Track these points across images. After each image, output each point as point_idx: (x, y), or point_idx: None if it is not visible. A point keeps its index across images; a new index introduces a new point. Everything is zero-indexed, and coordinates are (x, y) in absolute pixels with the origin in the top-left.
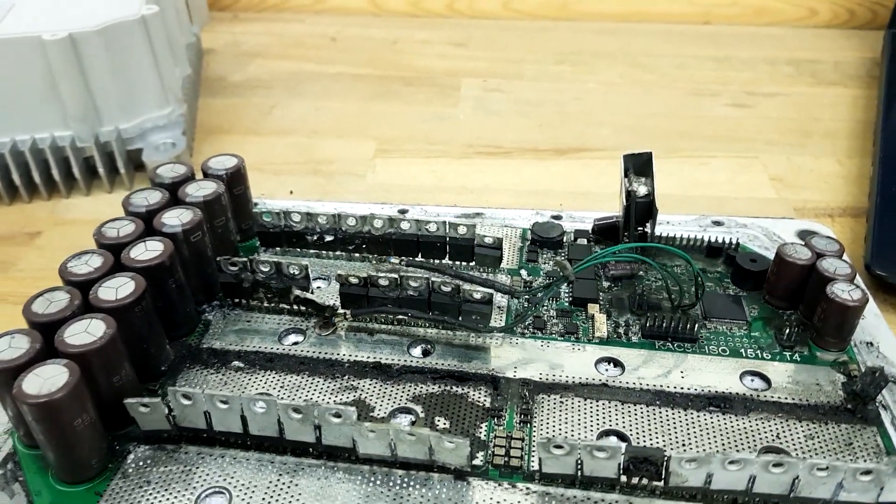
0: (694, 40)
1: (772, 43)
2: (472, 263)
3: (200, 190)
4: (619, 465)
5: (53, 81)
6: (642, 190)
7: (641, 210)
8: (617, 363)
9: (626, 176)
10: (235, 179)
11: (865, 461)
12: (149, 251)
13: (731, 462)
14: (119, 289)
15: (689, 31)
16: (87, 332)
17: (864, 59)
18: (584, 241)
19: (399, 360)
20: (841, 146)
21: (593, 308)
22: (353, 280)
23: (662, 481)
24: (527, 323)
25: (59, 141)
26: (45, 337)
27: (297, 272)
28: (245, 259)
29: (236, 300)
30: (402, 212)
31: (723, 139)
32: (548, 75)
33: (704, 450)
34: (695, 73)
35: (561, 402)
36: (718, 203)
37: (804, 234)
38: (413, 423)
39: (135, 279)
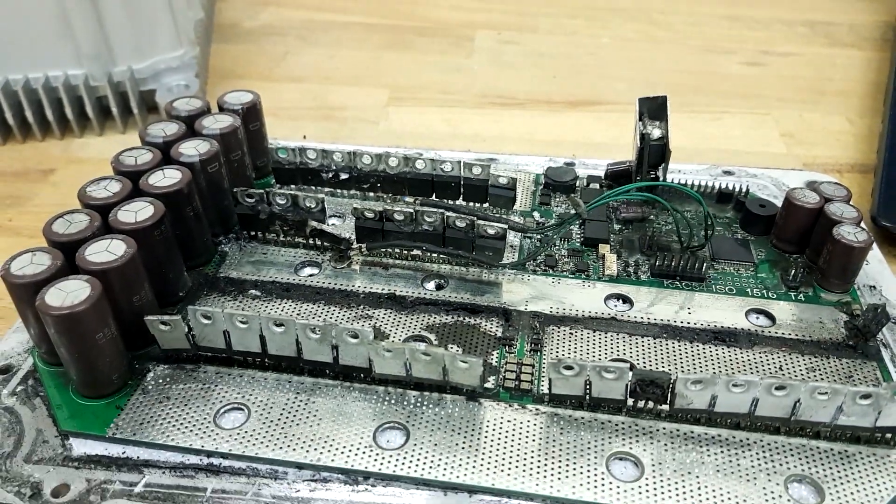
0: None
1: (788, 3)
2: (486, 204)
3: (217, 123)
4: (627, 386)
5: (67, 18)
6: (656, 133)
7: (655, 153)
8: (626, 299)
9: (640, 119)
10: (251, 115)
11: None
12: (167, 178)
13: (735, 385)
14: (139, 213)
15: None
16: (107, 251)
17: (879, 22)
18: (597, 186)
19: (413, 292)
20: (852, 105)
21: (604, 248)
22: (369, 214)
23: (668, 404)
24: (538, 261)
25: (72, 80)
26: (66, 256)
27: (313, 205)
28: (262, 191)
29: (252, 232)
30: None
31: (736, 96)
32: (562, 29)
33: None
34: (709, 30)
35: (571, 333)
36: (730, 156)
37: (812, 184)
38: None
39: (154, 204)
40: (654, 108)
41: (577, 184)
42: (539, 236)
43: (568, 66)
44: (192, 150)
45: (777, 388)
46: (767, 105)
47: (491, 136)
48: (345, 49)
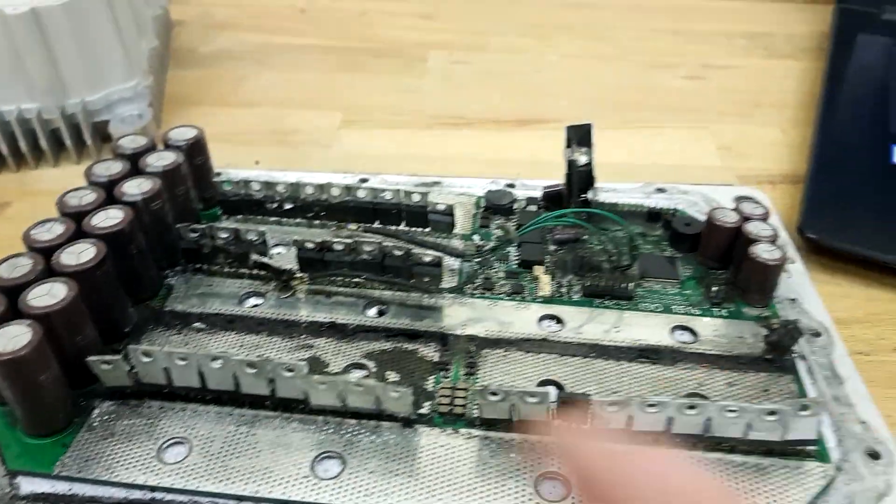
0: (654, 14)
1: (729, 16)
2: (427, 229)
3: (160, 160)
4: (549, 409)
5: (18, 55)
6: (583, 159)
7: (582, 178)
8: (558, 320)
9: (568, 146)
10: (195, 150)
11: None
12: (110, 218)
13: (650, 405)
14: (81, 254)
15: (649, 5)
16: (49, 295)
17: (816, 32)
18: (534, 208)
19: (354, 319)
20: (787, 116)
21: (538, 269)
22: (310, 245)
23: (589, 425)
24: (476, 284)
25: (25, 113)
26: (10, 300)
27: (254, 238)
28: (204, 226)
29: (197, 265)
30: (363, 180)
31: (676, 110)
32: (512, 48)
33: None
34: (653, 45)
35: (504, 355)
36: (668, 172)
37: (741, 200)
38: (366, 377)
39: (96, 245)
40: (580, 135)
41: (516, 206)
42: (477, 260)
43: (516, 84)
44: (134, 189)
45: (689, 408)
46: (706, 119)
47: (440, 156)
48: (300, 72)
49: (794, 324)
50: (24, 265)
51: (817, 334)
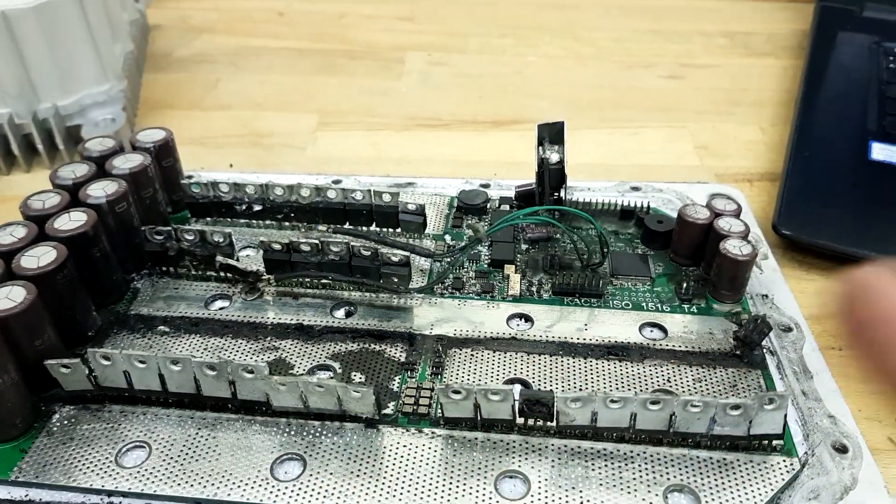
0: (633, 14)
1: (709, 16)
2: (398, 230)
3: (127, 162)
4: (514, 407)
5: None
6: (555, 157)
7: (554, 176)
8: (528, 318)
9: (540, 144)
10: (164, 152)
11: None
12: (72, 221)
13: (613, 401)
14: (41, 257)
15: (628, 5)
16: (7, 299)
17: (796, 30)
18: (507, 208)
19: (322, 321)
20: (765, 115)
21: (509, 269)
22: (276, 246)
23: (555, 421)
24: (446, 284)
25: None
26: None
27: (220, 240)
28: (170, 228)
29: (164, 268)
30: (337, 182)
31: (655, 110)
32: (491, 48)
33: (594, 392)
34: (632, 45)
35: (472, 355)
36: (646, 171)
37: (714, 197)
38: (330, 378)
39: (57, 248)
40: (553, 133)
41: (489, 205)
42: (447, 259)
43: (494, 85)
44: (99, 191)
45: (652, 403)
46: (685, 118)
47: (416, 158)
48: (276, 75)
49: (762, 318)
50: None
51: (788, 329)
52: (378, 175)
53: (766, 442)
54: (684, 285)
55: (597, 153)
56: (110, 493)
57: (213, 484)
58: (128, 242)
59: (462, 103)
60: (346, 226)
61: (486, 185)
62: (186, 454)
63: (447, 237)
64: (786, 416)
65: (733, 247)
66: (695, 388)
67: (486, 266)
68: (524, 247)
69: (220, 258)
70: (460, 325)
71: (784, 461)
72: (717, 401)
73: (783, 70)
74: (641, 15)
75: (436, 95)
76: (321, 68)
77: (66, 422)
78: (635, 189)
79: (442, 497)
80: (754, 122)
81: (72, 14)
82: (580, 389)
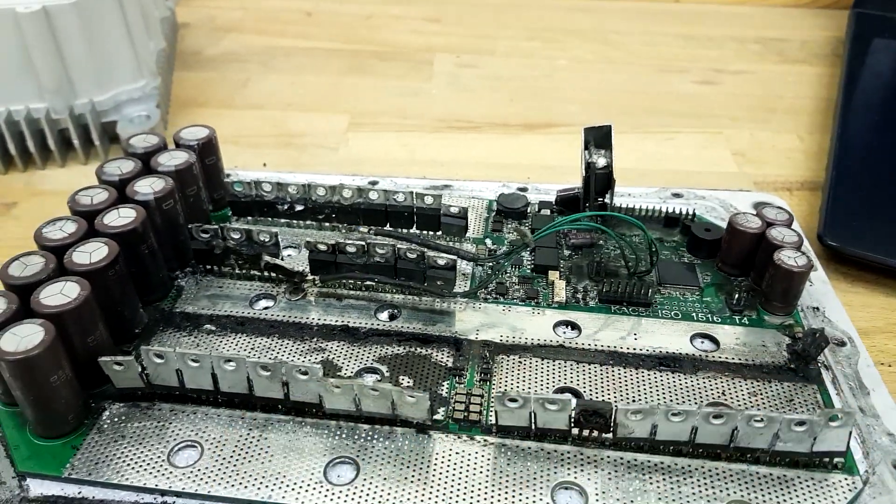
0: (664, 18)
1: (741, 21)
2: (439, 233)
3: (172, 159)
4: (570, 417)
5: (28, 54)
6: (601, 162)
7: (600, 181)
8: (574, 326)
9: (586, 148)
10: (207, 150)
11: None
12: (122, 218)
13: (674, 414)
14: (93, 253)
15: (659, 10)
16: (62, 294)
17: (830, 37)
18: (548, 212)
19: (366, 323)
20: (803, 122)
21: (553, 275)
22: (322, 247)
23: (611, 433)
24: (490, 289)
25: (34, 113)
26: (22, 299)
27: (266, 239)
28: (216, 226)
29: (208, 267)
30: (373, 183)
31: (688, 115)
32: (520, 51)
33: (656, 404)
34: (664, 50)
35: (520, 362)
36: (682, 177)
37: (759, 206)
38: (379, 381)
39: (108, 244)
40: (599, 137)
41: (529, 210)
42: (490, 264)
43: (524, 88)
44: (147, 188)
45: (714, 417)
46: (719, 124)
47: (448, 160)
48: (306, 75)
49: (820, 332)
50: (35, 264)
51: (842, 343)
52: (413, 177)
53: (828, 459)
54: (735, 296)
55: (630, 158)
56: (164, 493)
57: (266, 486)
58: (173, 240)
59: (492, 106)
60: (387, 227)
61: (524, 189)
62: (238, 455)
63: (488, 241)
64: (850, 433)
65: (788, 258)
66: (750, 402)
67: (529, 272)
68: (567, 253)
69: (266, 258)
70: (505, 331)
71: (845, 479)
72: (782, 416)
73: (818, 77)
74: (672, 19)
75: (466, 97)
76: (351, 69)
77: (116, 419)
78: (677, 196)
79: None
80: (792, 130)
81: (110, 10)
82: (634, 401)
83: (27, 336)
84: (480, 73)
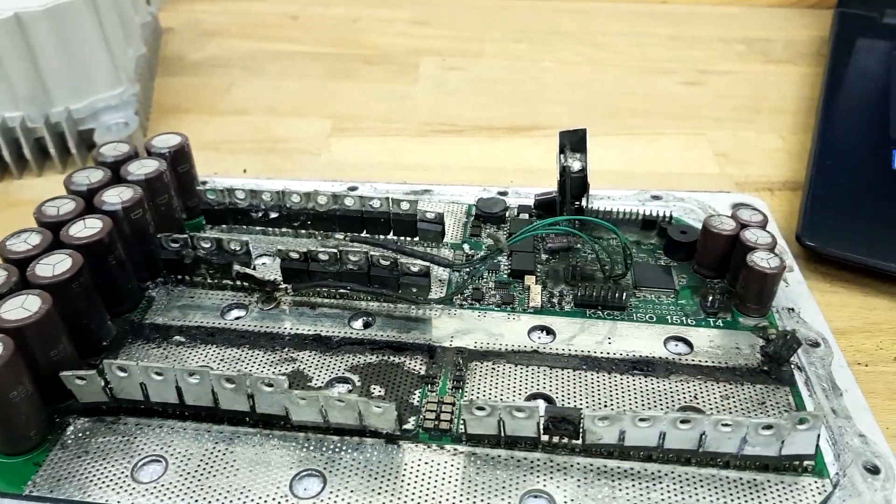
0: (651, 19)
1: (726, 22)
2: (416, 238)
3: (142, 168)
4: (539, 424)
5: (0, 62)
6: (577, 165)
7: (576, 185)
8: (549, 331)
9: (562, 152)
10: (179, 157)
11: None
12: (87, 228)
13: (641, 419)
14: (56, 265)
15: (646, 11)
16: (22, 308)
17: (815, 37)
18: (526, 216)
19: (340, 332)
20: (785, 122)
21: (529, 279)
22: (294, 255)
23: (580, 439)
24: (466, 295)
25: (8, 122)
26: None
27: (237, 248)
28: (186, 235)
29: (179, 277)
30: (353, 189)
31: (673, 116)
32: (507, 54)
33: (623, 410)
34: (650, 51)
35: (493, 368)
36: (664, 179)
37: (738, 207)
38: (350, 392)
39: (72, 256)
40: (574, 141)
41: (508, 214)
42: (466, 270)
43: (510, 91)
44: (115, 197)
45: (682, 422)
46: (703, 125)
47: (432, 164)
48: (289, 79)
49: (792, 334)
50: None
51: (816, 344)
52: (394, 182)
53: (797, 462)
54: (710, 298)
55: (614, 160)
56: None
57: (231, 500)
58: (143, 250)
59: (478, 109)
60: (364, 234)
61: (504, 193)
62: (204, 469)
63: (465, 246)
64: (818, 436)
65: (761, 259)
66: (723, 405)
67: (505, 277)
68: (544, 257)
69: (237, 267)
70: (480, 338)
71: (815, 482)
72: (749, 420)
73: (802, 77)
74: (658, 21)
75: (451, 101)
76: (335, 73)
77: (80, 434)
78: (656, 198)
79: None
80: (774, 130)
81: (85, 16)
82: (605, 406)
83: None
84: (467, 76)
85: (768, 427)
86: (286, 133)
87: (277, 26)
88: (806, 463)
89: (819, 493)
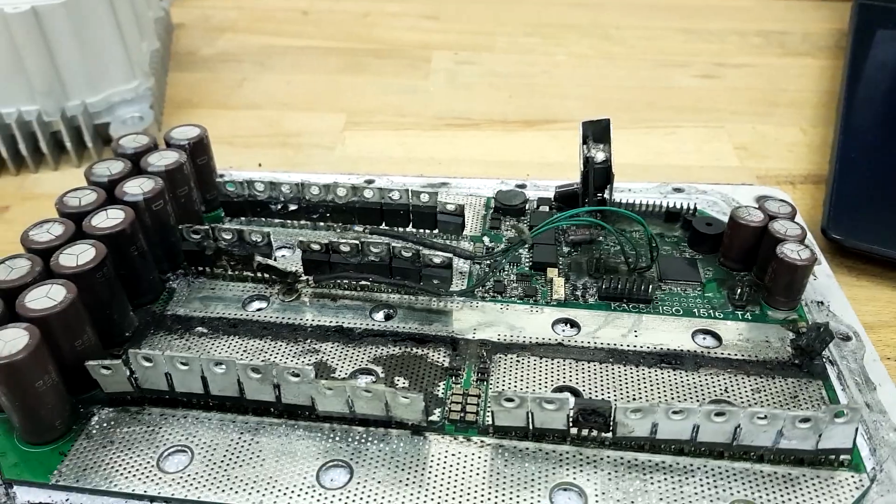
0: (664, 13)
1: (742, 15)
2: (436, 231)
3: (162, 159)
4: (568, 416)
5: (18, 55)
6: (600, 156)
7: (599, 176)
8: (573, 324)
9: (584, 143)
10: (198, 149)
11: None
12: (110, 219)
13: (675, 412)
14: (80, 255)
15: (659, 4)
16: (47, 297)
17: (833, 30)
18: (546, 209)
19: (361, 324)
20: (805, 115)
21: (552, 272)
22: (315, 246)
23: (611, 432)
24: (487, 287)
25: (25, 115)
26: (7, 302)
27: (259, 239)
28: (207, 227)
29: (200, 268)
30: (369, 182)
31: (689, 110)
32: (518, 47)
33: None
34: (664, 44)
35: (517, 360)
36: (683, 172)
37: (762, 199)
38: (374, 383)
39: (95, 246)
40: (597, 131)
41: (527, 206)
42: (487, 262)
43: (523, 85)
44: (136, 188)
45: (716, 415)
46: (721, 118)
47: (446, 158)
48: (302, 74)
49: (825, 326)
50: (21, 267)
51: (847, 338)
52: (410, 175)
53: (833, 457)
54: (738, 291)
55: (631, 153)
56: (153, 499)
57: (258, 491)
58: (164, 241)
59: (491, 103)
60: (383, 226)
61: (523, 186)
62: (229, 459)
63: (485, 239)
64: (857, 430)
65: (791, 251)
66: (754, 398)
67: (527, 269)
68: (566, 249)
69: (259, 258)
70: (503, 330)
71: (852, 477)
72: (786, 413)
73: (821, 70)
74: (671, 13)
75: (464, 95)
76: (347, 67)
77: (105, 424)
78: (678, 190)
79: None
80: (794, 124)
81: (100, 10)
82: (634, 399)
83: (11, 340)
84: (479, 70)
85: (806, 420)
86: (300, 127)
87: (288, 21)
88: (842, 457)
89: (857, 489)
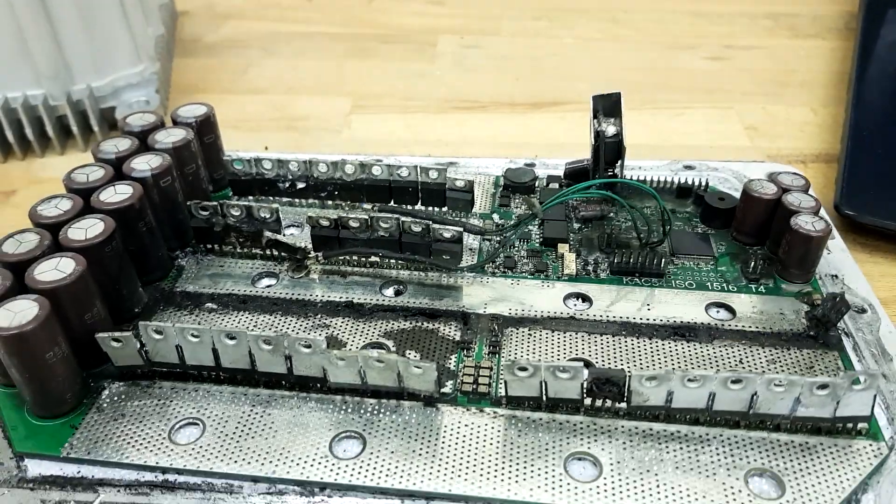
0: None
1: None
2: (445, 208)
3: (170, 137)
4: (582, 385)
5: (24, 39)
6: (611, 130)
7: (610, 150)
8: (585, 298)
9: (595, 117)
10: (205, 127)
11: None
12: (118, 194)
13: (691, 380)
14: (89, 229)
15: None
16: (56, 270)
17: (843, 12)
18: (556, 186)
19: (371, 299)
20: (816, 96)
21: (563, 247)
22: (324, 222)
23: (625, 402)
24: (497, 263)
25: (31, 100)
26: (16, 275)
27: (267, 216)
28: (215, 203)
29: (209, 245)
30: (378, 160)
31: (699, 91)
32: (525, 31)
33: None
34: (672, 27)
35: (529, 334)
36: (693, 152)
37: (777, 174)
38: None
39: (104, 220)
40: (608, 105)
41: (537, 184)
42: (497, 238)
43: (531, 67)
44: (143, 164)
45: (733, 382)
46: (731, 99)
47: (454, 140)
48: (307, 59)
49: (840, 296)
50: (30, 241)
51: (862, 311)
52: (418, 155)
53: (851, 425)
54: (751, 264)
55: (641, 134)
56: (165, 470)
57: (270, 461)
58: (172, 218)
59: (498, 85)
60: (392, 204)
61: (532, 164)
62: (241, 431)
63: (495, 216)
64: (875, 396)
65: (805, 223)
66: (769, 369)
67: (537, 245)
68: (577, 226)
69: (268, 234)
70: (514, 305)
71: (870, 445)
72: (804, 379)
73: (831, 51)
74: None
75: (471, 78)
76: (353, 52)
77: (116, 398)
78: (689, 168)
79: (510, 478)
80: (805, 104)
81: None
82: (648, 369)
83: (21, 311)
84: (486, 54)
85: (823, 386)
86: (306, 111)
87: (292, 8)
88: (860, 425)
89: (875, 457)
